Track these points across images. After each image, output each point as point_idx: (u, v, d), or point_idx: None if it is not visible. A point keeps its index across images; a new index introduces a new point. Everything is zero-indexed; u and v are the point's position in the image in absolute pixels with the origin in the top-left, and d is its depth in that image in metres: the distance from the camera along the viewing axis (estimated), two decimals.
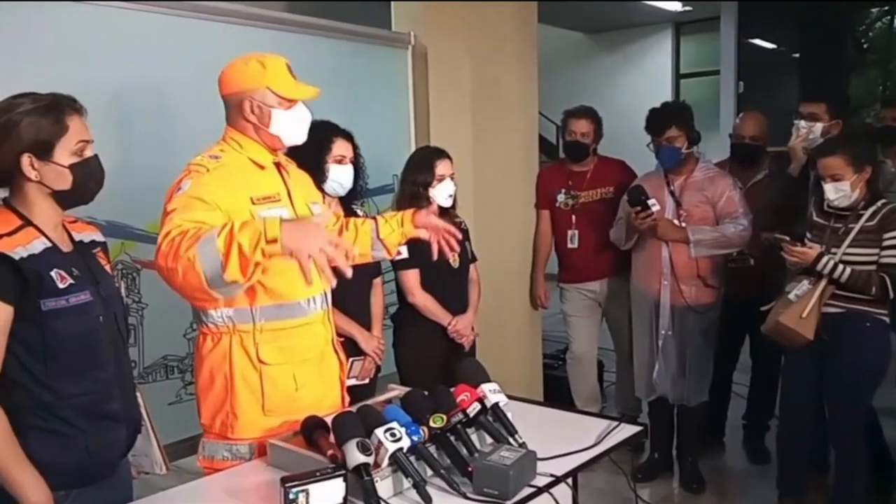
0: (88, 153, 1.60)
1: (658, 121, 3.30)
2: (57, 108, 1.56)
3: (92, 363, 1.60)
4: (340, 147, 2.57)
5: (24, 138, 1.53)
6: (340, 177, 2.57)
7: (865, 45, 8.46)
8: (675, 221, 3.29)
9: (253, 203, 1.80)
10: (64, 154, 1.55)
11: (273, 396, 1.85)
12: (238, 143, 1.88)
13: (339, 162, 2.56)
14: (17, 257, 1.50)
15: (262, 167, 1.89)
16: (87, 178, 1.60)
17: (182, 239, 1.53)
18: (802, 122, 3.10)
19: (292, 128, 1.90)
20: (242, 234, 1.49)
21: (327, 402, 1.96)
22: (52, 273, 1.54)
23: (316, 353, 1.95)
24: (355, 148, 2.65)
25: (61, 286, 1.54)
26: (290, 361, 1.87)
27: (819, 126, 3.07)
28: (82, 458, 1.58)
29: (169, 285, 1.58)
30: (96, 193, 1.66)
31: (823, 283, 2.68)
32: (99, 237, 1.77)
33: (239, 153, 1.87)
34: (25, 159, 1.53)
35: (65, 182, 1.57)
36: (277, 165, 1.93)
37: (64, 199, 1.60)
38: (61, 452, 1.56)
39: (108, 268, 1.75)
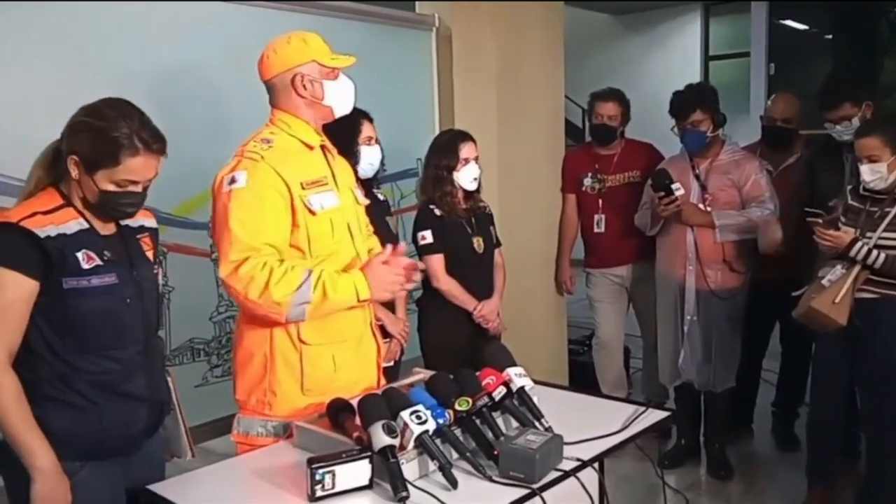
0: (132, 188, 1.60)
1: (682, 104, 3.24)
2: (127, 144, 1.55)
3: (112, 343, 1.62)
4: (367, 129, 2.60)
5: (83, 146, 1.56)
6: (371, 157, 2.61)
7: None
8: (701, 206, 3.24)
9: (303, 188, 1.84)
10: (104, 180, 1.57)
11: (312, 376, 1.88)
12: (287, 124, 1.90)
13: (368, 143, 2.59)
14: (42, 235, 1.54)
15: (311, 147, 1.92)
16: (113, 207, 1.62)
17: (268, 277, 1.74)
18: (837, 127, 2.99)
19: (343, 97, 1.95)
20: (338, 295, 1.80)
21: (363, 383, 1.99)
22: (79, 254, 1.57)
23: (355, 334, 1.98)
24: (375, 129, 2.66)
25: (86, 266, 1.57)
26: (329, 342, 1.90)
27: (855, 120, 2.95)
28: (96, 432, 1.61)
29: (234, 299, 1.82)
30: (120, 219, 1.67)
31: (857, 268, 2.62)
32: (150, 223, 1.79)
33: (290, 135, 1.89)
34: (72, 159, 1.57)
35: (92, 197, 1.60)
36: (322, 148, 1.96)
37: (88, 207, 1.62)
38: (75, 424, 1.59)
39: (150, 253, 1.76)
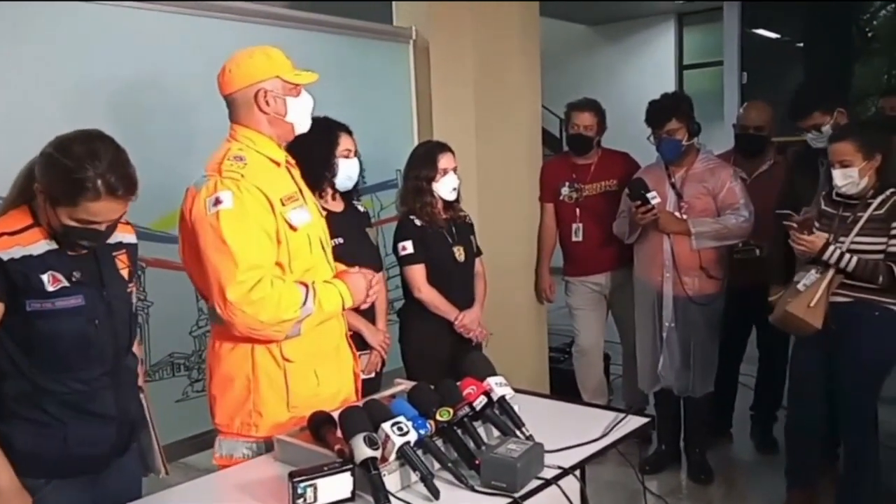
0: (94, 226, 1.56)
1: (658, 113, 3.28)
2: (89, 188, 1.49)
3: (77, 364, 1.61)
4: (346, 142, 2.59)
5: (46, 179, 1.52)
6: (349, 170, 2.59)
7: (870, 34, 8.41)
8: (677, 213, 3.28)
9: (283, 204, 1.83)
10: (64, 215, 1.53)
11: (297, 393, 1.87)
12: (251, 140, 1.87)
13: (346, 156, 2.58)
14: (6, 258, 1.52)
15: (277, 163, 1.91)
16: (72, 241, 1.58)
17: (279, 297, 1.76)
18: (809, 135, 3.03)
19: (304, 114, 1.93)
20: (329, 305, 1.87)
21: (343, 393, 2.00)
22: (44, 276, 1.55)
23: (332, 346, 1.98)
24: (354, 142, 2.66)
25: (50, 289, 1.55)
26: (311, 357, 1.90)
27: (826, 128, 2.99)
28: (60, 449, 1.60)
29: (233, 323, 1.77)
30: (80, 251, 1.62)
31: (831, 272, 2.66)
32: (128, 238, 1.76)
33: (256, 152, 1.87)
34: (38, 188, 1.55)
35: (55, 226, 1.56)
36: (286, 163, 1.95)
37: (52, 233, 1.58)
38: (38, 441, 1.58)
39: (125, 272, 1.73)
